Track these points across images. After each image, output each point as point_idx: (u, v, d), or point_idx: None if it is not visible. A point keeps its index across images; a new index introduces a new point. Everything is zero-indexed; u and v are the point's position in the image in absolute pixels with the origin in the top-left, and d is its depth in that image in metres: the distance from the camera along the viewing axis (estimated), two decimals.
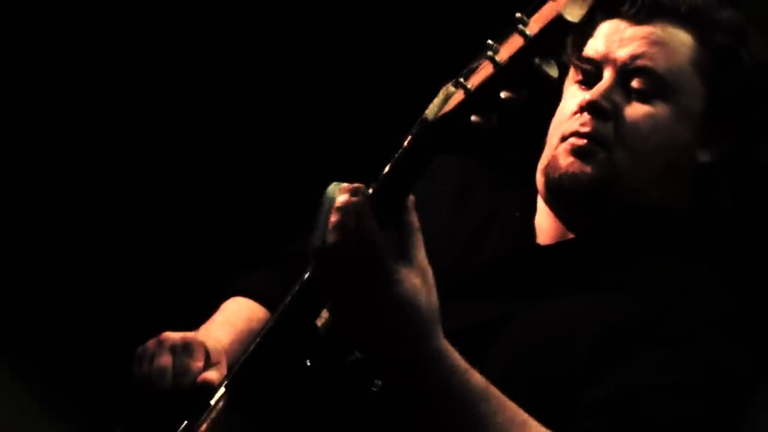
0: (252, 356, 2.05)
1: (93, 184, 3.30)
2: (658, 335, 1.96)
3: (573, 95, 2.15)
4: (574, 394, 1.92)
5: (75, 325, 3.26)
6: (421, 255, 1.69)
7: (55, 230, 3.29)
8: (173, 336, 2.14)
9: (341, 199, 1.67)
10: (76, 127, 3.27)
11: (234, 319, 2.36)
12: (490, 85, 1.62)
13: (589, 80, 2.15)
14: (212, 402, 2.06)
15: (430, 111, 1.67)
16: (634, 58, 2.11)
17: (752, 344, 2.05)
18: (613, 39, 2.11)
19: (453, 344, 1.74)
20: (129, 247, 3.35)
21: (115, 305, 3.28)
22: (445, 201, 2.25)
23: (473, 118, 1.63)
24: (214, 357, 2.15)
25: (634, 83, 2.11)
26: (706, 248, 2.19)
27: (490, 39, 1.66)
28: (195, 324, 2.35)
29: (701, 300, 2.04)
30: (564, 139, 2.12)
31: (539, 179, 2.16)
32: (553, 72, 1.60)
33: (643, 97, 2.10)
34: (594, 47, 2.12)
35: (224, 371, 2.18)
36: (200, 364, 2.12)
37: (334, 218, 1.66)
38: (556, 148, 2.13)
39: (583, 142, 2.10)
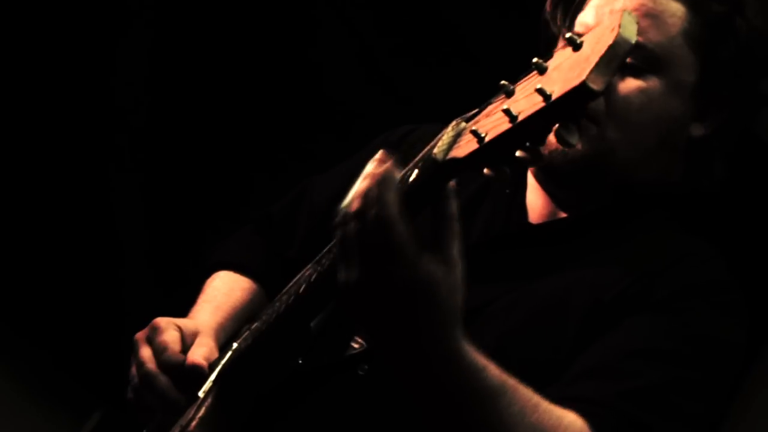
0: (244, 354, 2.03)
1: (67, 153, 3.27)
2: (647, 303, 1.94)
3: None
4: (564, 366, 1.90)
5: (54, 305, 3.25)
6: (452, 248, 1.60)
7: (34, 203, 3.27)
8: (143, 331, 2.16)
9: (370, 167, 1.60)
10: (55, 89, 3.25)
11: (219, 299, 2.35)
12: (504, 141, 1.50)
13: None
14: (200, 394, 2.05)
15: (439, 149, 1.57)
16: None
17: (746, 315, 2.02)
18: (604, 11, 2.05)
19: None
20: (109, 220, 3.34)
21: (96, 284, 3.26)
22: None
23: (485, 171, 1.54)
24: (188, 331, 2.16)
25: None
26: (699, 220, 2.15)
27: (505, 80, 1.54)
28: (179, 306, 2.33)
29: (692, 269, 2.00)
30: None
31: None
32: (573, 140, 1.48)
33: (635, 71, 2.04)
34: (584, 20, 2.06)
35: (211, 345, 2.16)
36: (175, 334, 2.13)
37: (361, 185, 1.59)
38: None
39: None
